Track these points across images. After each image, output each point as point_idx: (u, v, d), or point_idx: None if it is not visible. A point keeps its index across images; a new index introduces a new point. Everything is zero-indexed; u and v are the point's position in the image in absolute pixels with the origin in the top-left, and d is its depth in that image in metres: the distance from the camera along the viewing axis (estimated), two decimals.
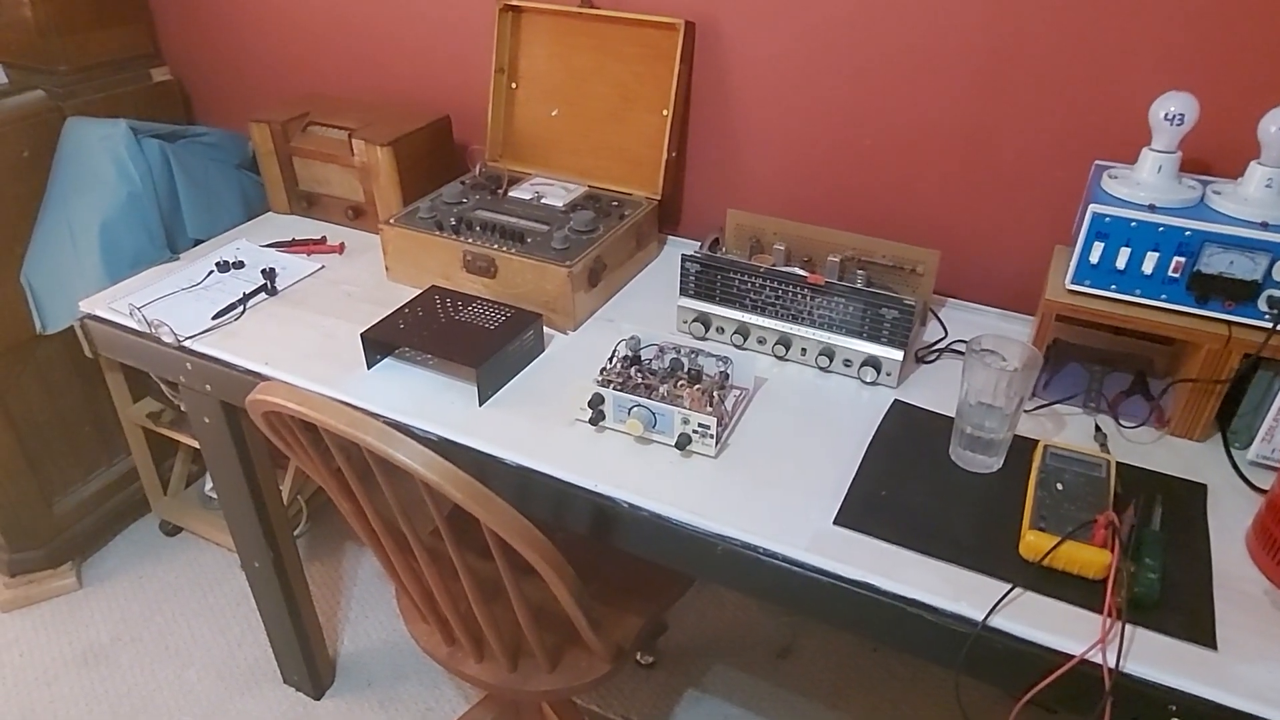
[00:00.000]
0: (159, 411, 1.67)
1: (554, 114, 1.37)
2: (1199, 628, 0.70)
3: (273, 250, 1.33)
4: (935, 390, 1.01)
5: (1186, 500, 0.83)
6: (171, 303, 1.18)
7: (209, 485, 1.81)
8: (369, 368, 1.05)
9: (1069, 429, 0.95)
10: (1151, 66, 0.98)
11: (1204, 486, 0.85)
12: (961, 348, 1.08)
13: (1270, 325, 0.83)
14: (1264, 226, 0.82)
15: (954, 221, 1.18)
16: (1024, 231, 1.13)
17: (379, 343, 1.05)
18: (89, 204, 1.28)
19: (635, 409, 0.91)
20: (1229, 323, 0.86)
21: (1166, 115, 0.85)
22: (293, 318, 1.16)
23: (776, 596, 0.80)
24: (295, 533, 1.79)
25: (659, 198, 1.29)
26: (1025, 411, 0.96)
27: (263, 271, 1.24)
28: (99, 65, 1.58)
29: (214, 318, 1.15)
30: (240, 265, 1.27)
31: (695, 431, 0.89)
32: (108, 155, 1.28)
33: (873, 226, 1.23)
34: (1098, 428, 0.93)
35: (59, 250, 1.34)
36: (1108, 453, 0.90)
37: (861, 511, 0.82)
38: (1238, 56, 0.94)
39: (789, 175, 1.27)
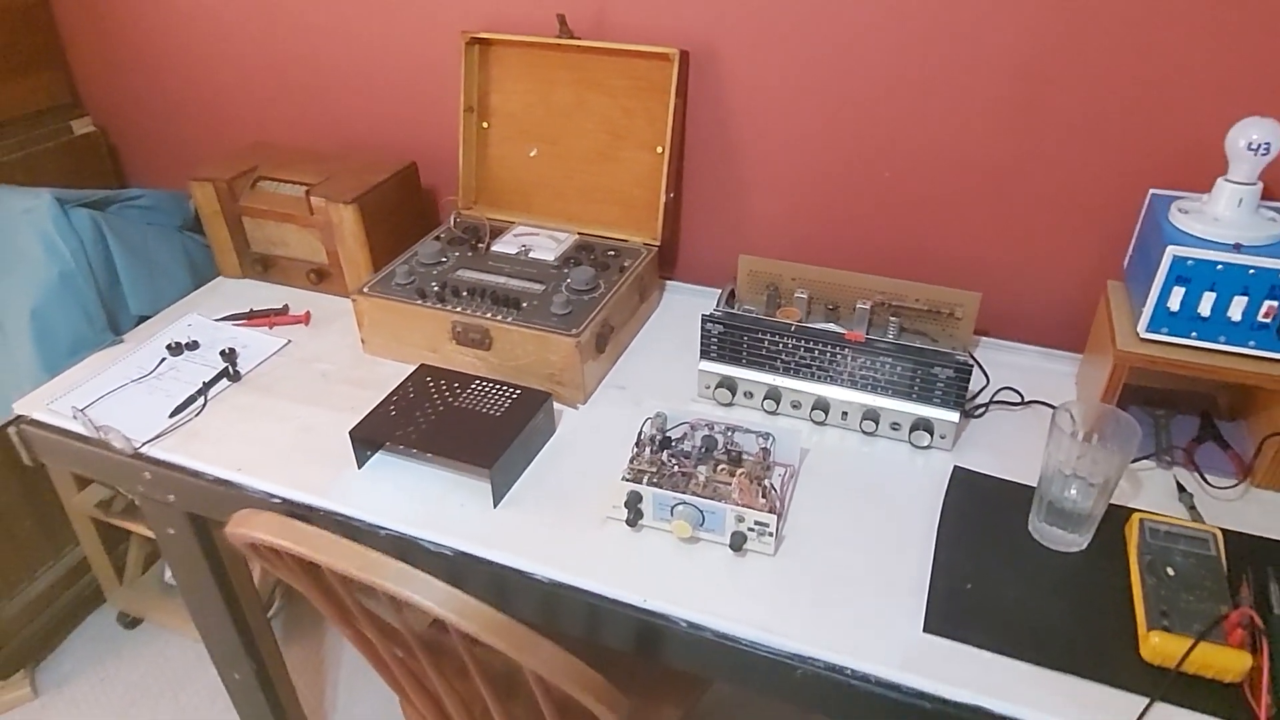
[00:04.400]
0: (109, 499, 1.50)
1: (532, 154, 1.25)
2: None
3: (229, 325, 1.19)
4: (991, 450, 0.92)
5: None
6: (120, 399, 1.03)
7: (170, 571, 1.65)
8: (360, 467, 0.92)
9: (1146, 489, 0.87)
10: (1214, 87, 0.90)
11: None
12: (1009, 396, 1.00)
13: None
14: None
15: (988, 255, 1.09)
16: (1067, 264, 1.05)
17: (369, 440, 0.92)
18: (15, 288, 1.12)
19: (679, 508, 0.80)
20: None
21: (1249, 144, 0.77)
22: (262, 408, 1.02)
23: None
24: (269, 615, 1.64)
25: (659, 243, 1.18)
26: None
27: (222, 353, 1.10)
28: (11, 121, 1.42)
29: (171, 415, 1.00)
30: (194, 346, 1.13)
31: (751, 530, 0.78)
32: (32, 231, 1.12)
33: (899, 266, 1.14)
34: (1180, 487, 0.85)
35: None
36: (1198, 516, 0.82)
37: (951, 613, 0.72)
38: None
39: (801, 213, 1.17)
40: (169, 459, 0.95)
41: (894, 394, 0.93)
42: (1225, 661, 0.64)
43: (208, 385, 1.04)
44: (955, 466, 0.89)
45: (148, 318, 1.22)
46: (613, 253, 1.16)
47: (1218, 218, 0.80)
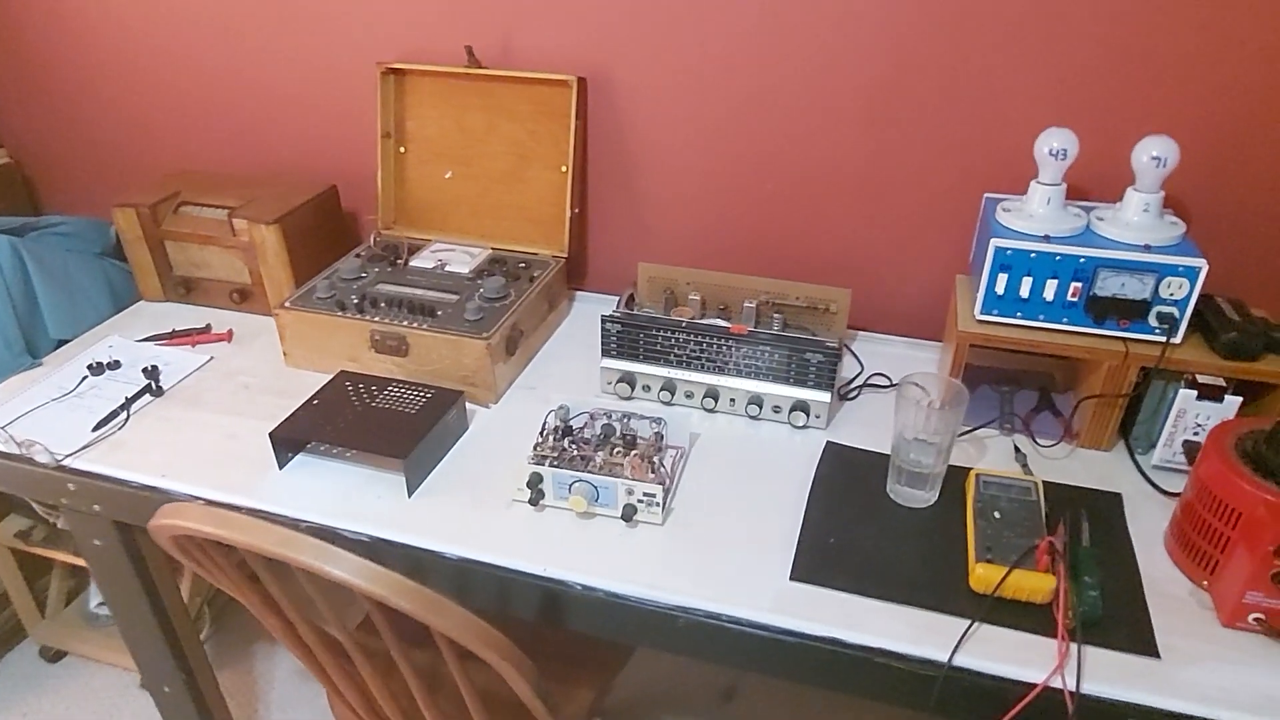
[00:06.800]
0: (28, 529, 1.51)
1: (448, 176, 1.34)
2: (1141, 638, 0.73)
3: (151, 345, 1.23)
4: (862, 426, 1.03)
5: (1106, 511, 0.88)
6: (41, 417, 1.07)
7: (94, 601, 1.65)
8: (280, 468, 0.98)
9: (990, 452, 0.99)
10: (1030, 103, 1.04)
11: (1119, 495, 0.90)
12: (880, 381, 1.12)
13: (1164, 339, 0.89)
14: (1146, 249, 0.88)
15: (858, 257, 1.22)
16: (924, 263, 1.18)
17: (290, 440, 0.98)
18: None
19: (576, 484, 0.88)
20: (1125, 339, 0.91)
21: (1051, 150, 0.90)
22: (186, 419, 1.07)
23: (743, 661, 0.79)
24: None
25: (566, 255, 1.28)
26: None
27: (144, 370, 1.14)
28: None
29: (95, 429, 1.04)
30: (116, 365, 1.17)
31: (640, 501, 0.87)
32: None
33: (783, 269, 1.26)
34: (1017, 449, 0.98)
35: None
36: (1030, 473, 0.94)
37: (815, 563, 0.82)
38: (1105, 91, 1.01)
39: (695, 225, 1.28)
40: (93, 469, 0.99)
41: (774, 380, 1.03)
42: (1035, 584, 0.75)
43: (130, 400, 1.09)
44: (828, 441, 1.00)
45: (67, 341, 1.26)
46: (523, 265, 1.25)
47: (1032, 214, 0.94)
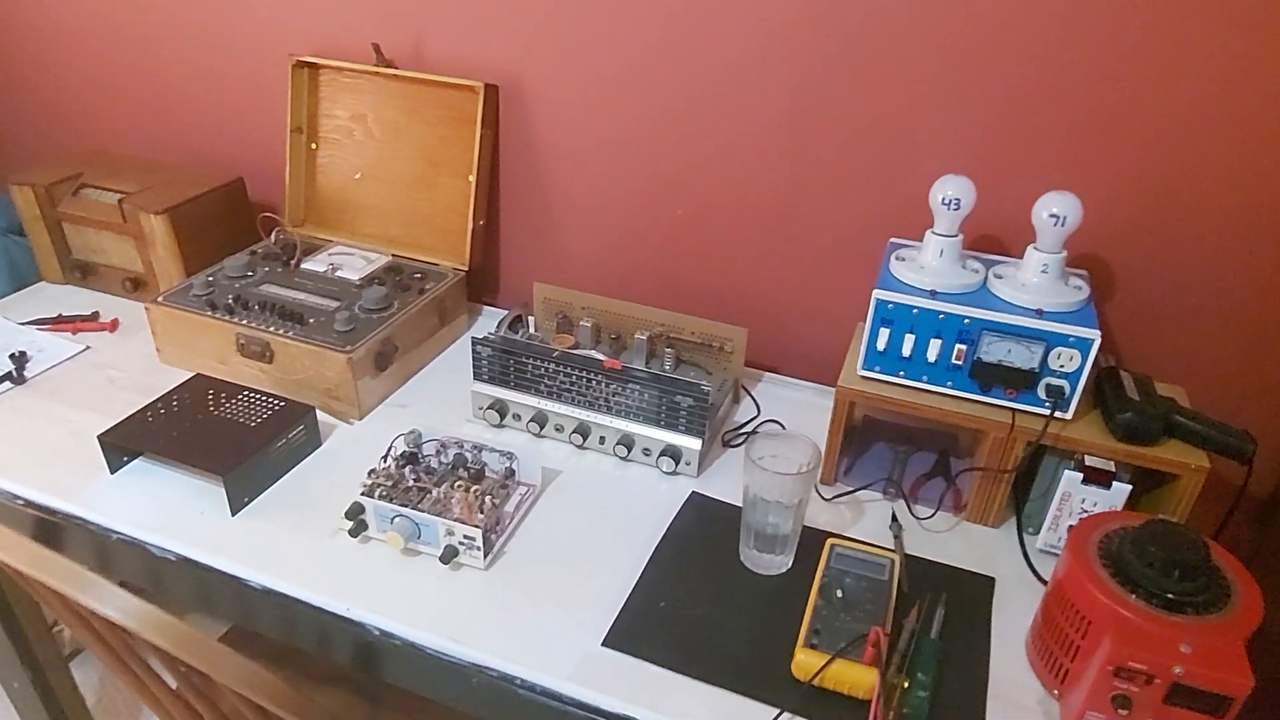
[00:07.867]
0: None
1: (357, 177, 1.28)
2: None
3: (32, 329, 1.18)
4: (738, 477, 0.96)
5: (974, 597, 0.80)
6: None
7: None
8: (113, 472, 0.93)
9: (868, 518, 0.91)
10: (940, 147, 0.97)
11: (992, 580, 0.82)
12: (772, 428, 1.04)
13: (1049, 413, 0.81)
14: (1039, 314, 0.80)
15: (767, 295, 1.15)
16: (832, 306, 1.11)
17: (119, 445, 0.92)
18: None
19: (397, 519, 0.82)
20: (1013, 410, 0.84)
21: (944, 199, 0.83)
22: (39, 411, 1.02)
23: None
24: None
25: (467, 269, 1.21)
26: (825, 500, 0.92)
27: (11, 356, 1.09)
28: None
29: None
30: None
31: (462, 543, 0.80)
32: None
33: (688, 301, 1.18)
34: (894, 517, 0.90)
35: None
36: (901, 545, 0.86)
37: (635, 629, 0.75)
38: (1015, 142, 0.94)
39: (602, 246, 1.22)
40: None
41: (645, 421, 0.96)
42: (856, 677, 0.67)
43: None
44: (692, 491, 0.93)
45: None
46: (419, 275, 1.19)
47: (924, 266, 0.86)
